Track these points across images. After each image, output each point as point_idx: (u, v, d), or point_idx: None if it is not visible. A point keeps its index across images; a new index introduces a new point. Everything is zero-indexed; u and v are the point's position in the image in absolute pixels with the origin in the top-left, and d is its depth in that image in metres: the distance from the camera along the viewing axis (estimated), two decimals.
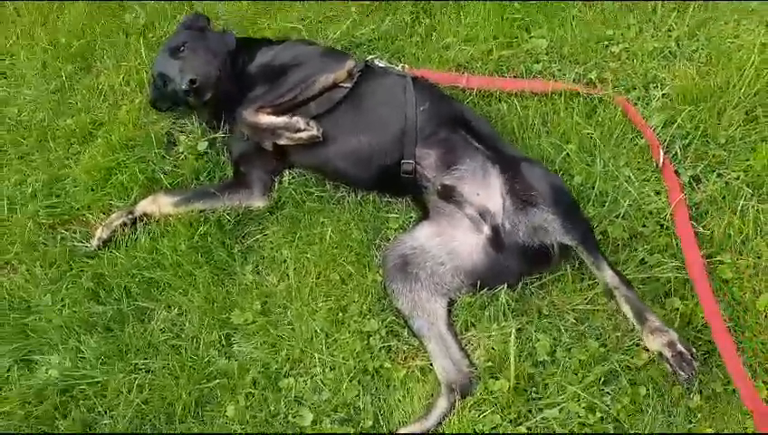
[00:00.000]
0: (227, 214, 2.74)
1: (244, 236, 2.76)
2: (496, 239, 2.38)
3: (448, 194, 2.50)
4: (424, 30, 3.20)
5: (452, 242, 2.45)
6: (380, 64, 2.84)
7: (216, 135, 2.94)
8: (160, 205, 2.77)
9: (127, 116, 3.15)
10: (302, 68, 2.67)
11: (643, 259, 2.38)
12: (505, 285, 2.38)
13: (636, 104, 2.77)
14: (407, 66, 2.93)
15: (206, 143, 2.96)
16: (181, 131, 3.09)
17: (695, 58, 2.86)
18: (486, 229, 2.41)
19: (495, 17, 3.12)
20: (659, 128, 2.67)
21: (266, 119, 2.58)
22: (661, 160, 2.53)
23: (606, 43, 3.00)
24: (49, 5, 3.74)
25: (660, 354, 2.09)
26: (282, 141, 2.59)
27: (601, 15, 3.10)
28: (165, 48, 2.89)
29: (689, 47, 2.90)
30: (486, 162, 2.48)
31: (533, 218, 2.33)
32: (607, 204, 2.50)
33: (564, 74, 2.93)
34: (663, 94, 2.77)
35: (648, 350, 2.17)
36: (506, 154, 2.55)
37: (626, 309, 2.21)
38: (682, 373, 2.02)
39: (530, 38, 3.06)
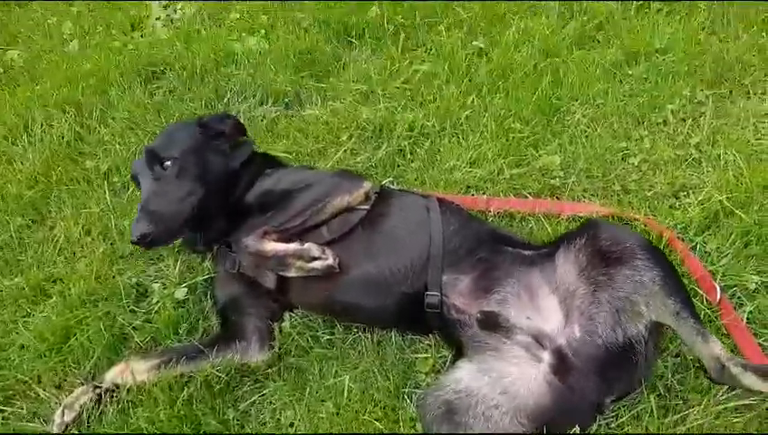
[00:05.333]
0: (216, 371, 2.23)
1: (239, 399, 2.23)
2: (561, 365, 1.93)
3: (491, 322, 2.07)
4: (425, 153, 2.95)
5: (504, 379, 1.96)
6: (396, 188, 2.53)
7: (196, 280, 2.51)
8: (135, 372, 2.22)
9: (87, 269, 2.68)
10: (313, 189, 2.31)
11: None
12: (578, 428, 1.90)
13: (672, 213, 2.51)
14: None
15: (186, 289, 2.50)
16: (154, 280, 2.62)
17: (723, 163, 2.66)
18: (547, 356, 1.96)
19: (500, 138, 2.91)
20: (706, 234, 2.40)
21: (273, 246, 2.16)
22: (718, 297, 2.20)
23: (622, 154, 2.80)
24: None
25: None
26: (291, 273, 2.16)
27: (610, 130, 2.94)
28: (150, 149, 2.39)
29: (713, 152, 2.73)
30: (533, 270, 2.10)
31: (621, 288, 1.91)
32: None
33: (585, 188, 2.69)
34: (699, 201, 2.52)
35: None
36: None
37: (750, 381, 1.80)
38: None
39: (540, 155, 2.84)
